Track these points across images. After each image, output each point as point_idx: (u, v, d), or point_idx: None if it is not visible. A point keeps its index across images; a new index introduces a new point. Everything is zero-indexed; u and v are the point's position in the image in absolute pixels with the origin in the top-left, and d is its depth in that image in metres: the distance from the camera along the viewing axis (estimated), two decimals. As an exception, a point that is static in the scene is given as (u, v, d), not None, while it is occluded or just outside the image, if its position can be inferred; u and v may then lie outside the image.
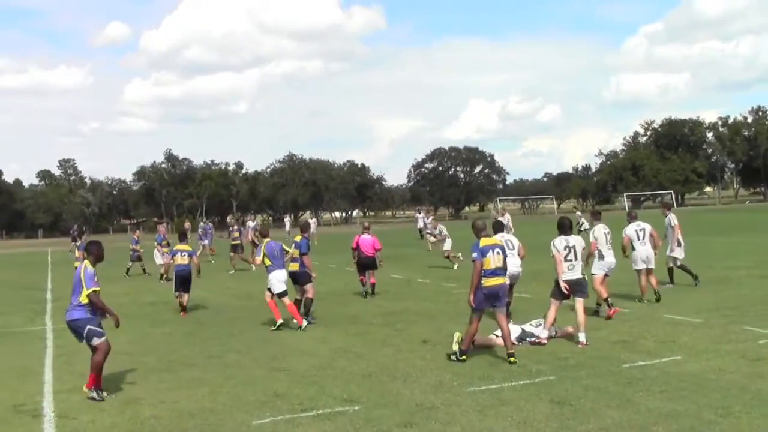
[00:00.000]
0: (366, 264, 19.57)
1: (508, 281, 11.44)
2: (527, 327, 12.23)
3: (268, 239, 15.19)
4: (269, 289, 14.85)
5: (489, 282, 10.72)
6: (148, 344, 13.58)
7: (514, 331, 11.91)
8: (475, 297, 10.75)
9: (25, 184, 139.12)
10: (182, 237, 18.01)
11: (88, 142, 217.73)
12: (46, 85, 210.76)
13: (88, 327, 9.75)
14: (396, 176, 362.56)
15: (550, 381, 9.44)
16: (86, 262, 10.04)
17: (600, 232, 14.85)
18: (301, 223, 17.56)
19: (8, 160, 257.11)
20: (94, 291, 9.76)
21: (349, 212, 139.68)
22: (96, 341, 9.79)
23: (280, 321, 14.51)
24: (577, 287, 11.91)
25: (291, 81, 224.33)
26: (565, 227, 12.13)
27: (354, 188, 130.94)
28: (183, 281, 17.39)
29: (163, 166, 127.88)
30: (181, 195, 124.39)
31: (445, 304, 17.00)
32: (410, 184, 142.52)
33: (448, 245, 26.25)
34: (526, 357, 10.82)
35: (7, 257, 53.45)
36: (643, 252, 15.82)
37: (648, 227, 16.12)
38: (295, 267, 15.53)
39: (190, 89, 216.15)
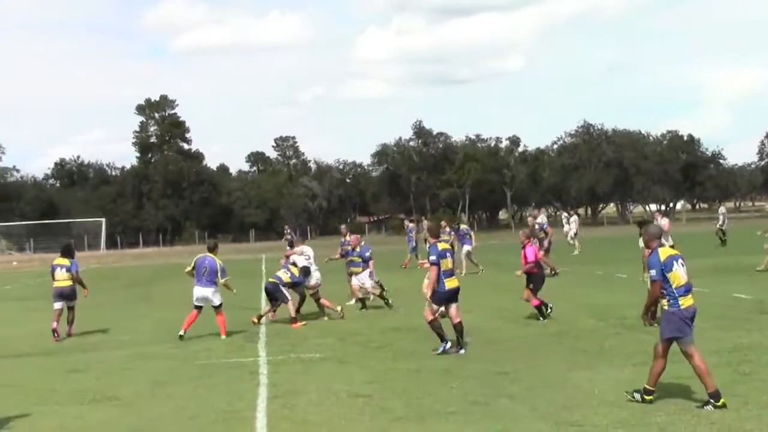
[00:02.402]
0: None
1: None
2: None
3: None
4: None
5: (687, 302, 11.61)
6: (392, 385, 13.98)
7: None
8: (668, 324, 11.60)
9: (232, 170, 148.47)
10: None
11: (311, 115, 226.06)
12: (254, 40, 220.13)
13: None
14: (741, 152, 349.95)
15: None
16: None
17: None
18: (429, 227, 18.28)
19: (209, 140, 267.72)
20: None
21: (671, 203, 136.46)
22: None
23: (181, 332, 20.21)
24: None
25: (584, 22, 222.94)
26: None
27: (678, 170, 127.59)
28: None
29: (411, 143, 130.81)
30: (437, 183, 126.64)
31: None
32: (763, 163, 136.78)
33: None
34: None
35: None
36: None
37: None
38: (455, 282, 16.87)
39: (443, 38, 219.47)
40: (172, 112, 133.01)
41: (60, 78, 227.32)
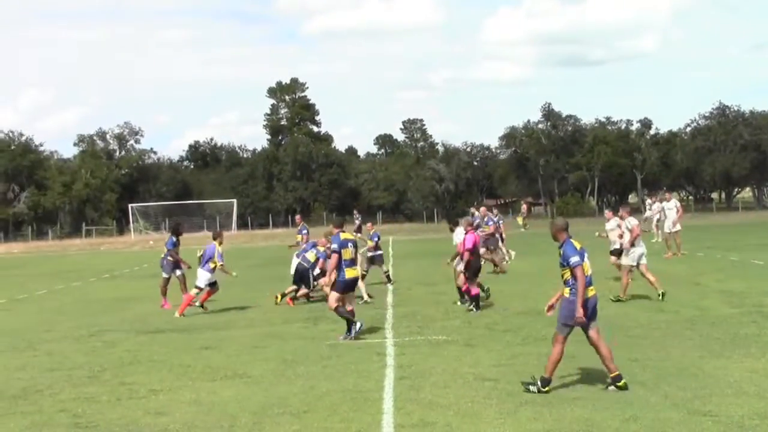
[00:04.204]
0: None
1: None
2: None
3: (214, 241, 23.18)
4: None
5: (590, 292, 12.27)
6: (520, 369, 13.92)
7: None
8: (567, 311, 12.16)
9: (361, 153, 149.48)
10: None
11: (439, 97, 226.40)
12: (386, 24, 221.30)
13: None
14: None
15: None
16: None
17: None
18: (333, 220, 18.74)
19: (339, 122, 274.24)
20: None
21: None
22: None
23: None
24: None
25: (723, 0, 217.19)
26: None
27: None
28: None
29: (540, 126, 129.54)
30: (565, 166, 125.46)
31: None
32: None
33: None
34: None
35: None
36: None
37: None
38: (355, 272, 18.03)
39: (576, 20, 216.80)
40: (302, 94, 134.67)
41: (195, 62, 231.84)
